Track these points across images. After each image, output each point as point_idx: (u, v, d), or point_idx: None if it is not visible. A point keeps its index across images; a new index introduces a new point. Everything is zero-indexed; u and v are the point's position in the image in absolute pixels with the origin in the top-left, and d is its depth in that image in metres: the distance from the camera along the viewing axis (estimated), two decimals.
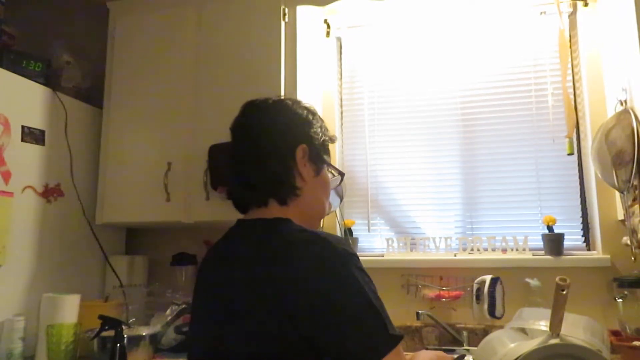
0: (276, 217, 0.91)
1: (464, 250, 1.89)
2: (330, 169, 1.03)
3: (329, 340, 0.75)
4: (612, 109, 1.67)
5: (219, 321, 0.86)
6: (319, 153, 0.98)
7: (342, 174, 1.08)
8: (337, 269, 0.78)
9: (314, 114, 1.01)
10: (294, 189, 0.93)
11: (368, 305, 0.76)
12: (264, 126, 0.96)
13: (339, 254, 0.79)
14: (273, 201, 0.93)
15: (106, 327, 1.42)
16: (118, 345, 1.42)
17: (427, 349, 1.77)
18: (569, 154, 1.82)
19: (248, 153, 0.95)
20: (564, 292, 1.09)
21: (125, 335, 1.45)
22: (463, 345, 1.74)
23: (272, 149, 0.93)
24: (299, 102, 1.01)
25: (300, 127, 0.97)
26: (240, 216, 0.99)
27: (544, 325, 1.19)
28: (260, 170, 0.93)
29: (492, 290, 1.69)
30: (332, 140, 1.04)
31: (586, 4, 1.88)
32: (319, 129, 0.99)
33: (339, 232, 2.02)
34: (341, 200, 1.84)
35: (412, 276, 1.88)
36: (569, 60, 1.91)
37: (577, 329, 1.16)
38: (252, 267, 0.84)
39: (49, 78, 1.84)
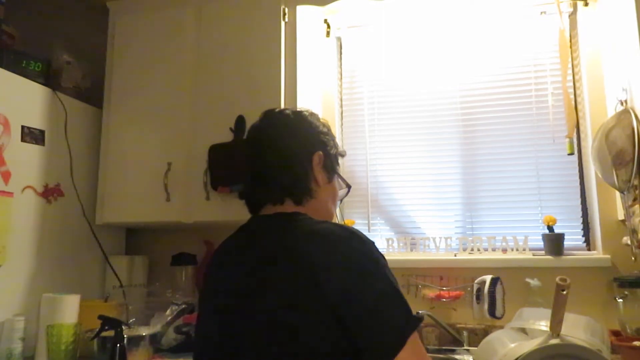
0: (295, 211, 0.96)
1: (464, 250, 1.89)
2: (339, 179, 1.10)
3: (359, 320, 0.78)
4: (612, 109, 1.67)
5: (240, 315, 0.86)
6: (332, 162, 1.05)
7: (349, 186, 1.16)
8: (366, 254, 0.83)
9: (328, 127, 1.09)
10: (310, 190, 1.00)
11: (394, 290, 0.81)
12: (286, 131, 1.03)
13: (364, 241, 0.84)
14: (289, 200, 0.98)
15: (106, 327, 1.42)
16: (118, 345, 1.42)
17: (427, 349, 1.77)
18: (569, 154, 1.82)
19: (270, 155, 1.01)
20: (564, 292, 1.09)
21: (125, 335, 1.44)
22: (463, 346, 1.74)
23: (293, 152, 1.00)
24: (315, 115, 1.09)
25: (318, 136, 1.04)
26: (247, 215, 1.03)
27: (544, 325, 1.19)
28: (282, 171, 0.99)
29: (492, 290, 1.69)
30: (342, 155, 1.12)
31: (586, 4, 1.88)
32: (332, 142, 1.07)
33: None
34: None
35: (412, 276, 1.88)
36: (569, 60, 1.91)
37: (577, 329, 1.16)
38: (278, 257, 0.85)
39: (49, 78, 1.84)
